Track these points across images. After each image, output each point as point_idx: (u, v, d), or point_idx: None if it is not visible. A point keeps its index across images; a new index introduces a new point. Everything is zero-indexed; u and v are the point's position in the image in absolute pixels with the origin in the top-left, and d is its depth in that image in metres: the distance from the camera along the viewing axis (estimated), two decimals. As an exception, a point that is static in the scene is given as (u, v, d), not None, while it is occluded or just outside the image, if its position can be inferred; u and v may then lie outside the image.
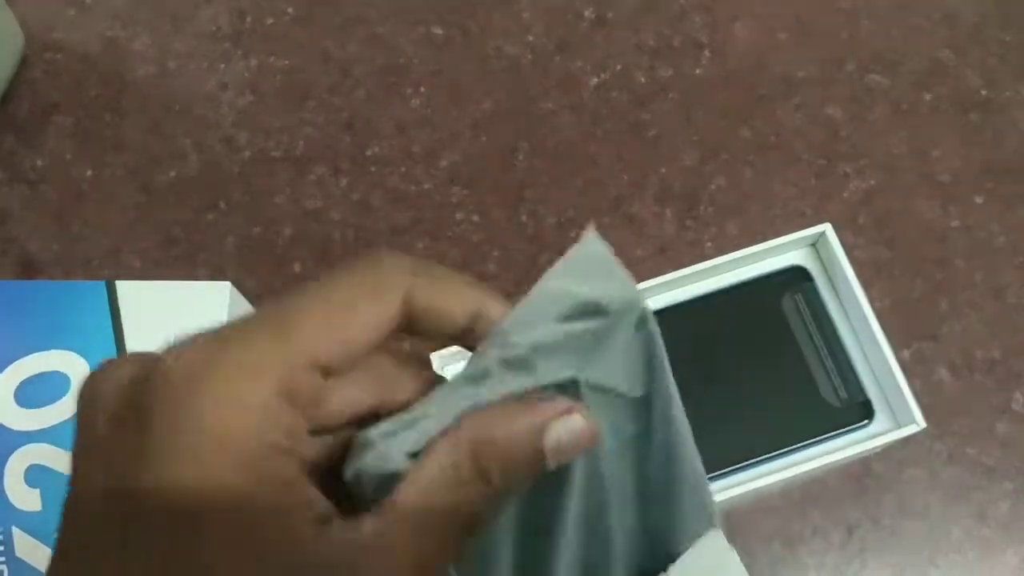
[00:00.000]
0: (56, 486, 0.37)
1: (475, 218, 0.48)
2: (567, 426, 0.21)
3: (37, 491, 0.37)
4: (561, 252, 0.48)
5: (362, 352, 0.21)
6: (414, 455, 0.21)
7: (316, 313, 0.21)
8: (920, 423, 0.38)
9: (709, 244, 0.47)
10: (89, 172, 0.49)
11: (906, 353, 0.45)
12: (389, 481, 0.21)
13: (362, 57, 0.51)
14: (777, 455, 0.40)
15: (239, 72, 0.51)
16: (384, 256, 0.23)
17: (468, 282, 0.24)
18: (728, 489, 0.38)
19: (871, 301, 0.46)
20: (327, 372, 0.21)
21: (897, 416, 0.40)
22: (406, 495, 0.20)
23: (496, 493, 0.21)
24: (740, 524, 0.43)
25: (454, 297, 0.23)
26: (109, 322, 0.40)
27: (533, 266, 0.47)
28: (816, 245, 0.43)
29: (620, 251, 0.48)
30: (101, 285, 0.40)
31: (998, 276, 0.47)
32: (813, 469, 0.39)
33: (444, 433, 0.21)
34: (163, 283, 0.40)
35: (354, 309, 0.21)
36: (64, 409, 0.38)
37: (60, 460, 0.37)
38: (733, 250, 0.46)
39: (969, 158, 0.49)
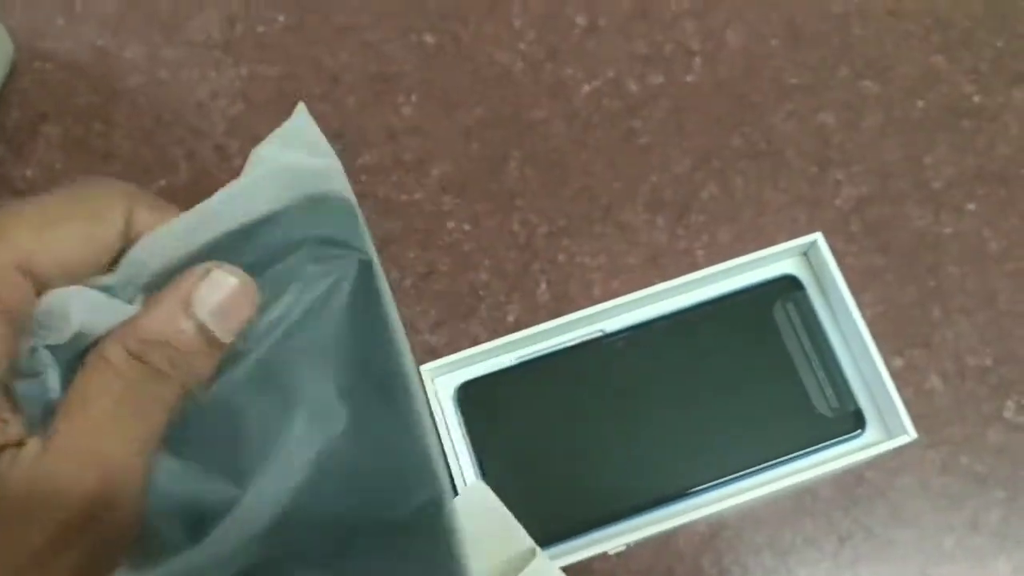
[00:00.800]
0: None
1: (466, 227, 0.48)
2: (213, 285, 0.20)
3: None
4: (553, 260, 0.48)
5: (79, 269, 0.21)
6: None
7: (31, 221, 0.20)
8: (911, 434, 0.38)
9: (701, 252, 0.47)
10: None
11: (898, 361, 0.45)
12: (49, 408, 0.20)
13: (353, 65, 0.51)
14: (768, 466, 0.40)
15: (230, 80, 0.51)
16: (104, 180, 0.23)
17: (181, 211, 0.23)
18: (718, 501, 0.38)
19: (863, 308, 0.46)
20: (40, 284, 0.20)
21: (889, 426, 0.40)
22: (67, 434, 0.20)
23: (177, 389, 0.20)
24: (730, 535, 0.43)
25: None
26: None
27: (525, 274, 0.47)
28: (807, 254, 0.43)
29: (611, 259, 0.48)
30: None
31: (990, 283, 0.47)
32: (804, 481, 0.39)
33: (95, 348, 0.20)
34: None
35: (70, 224, 0.21)
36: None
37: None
38: (725, 258, 0.46)
39: (962, 165, 0.49)
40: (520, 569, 0.35)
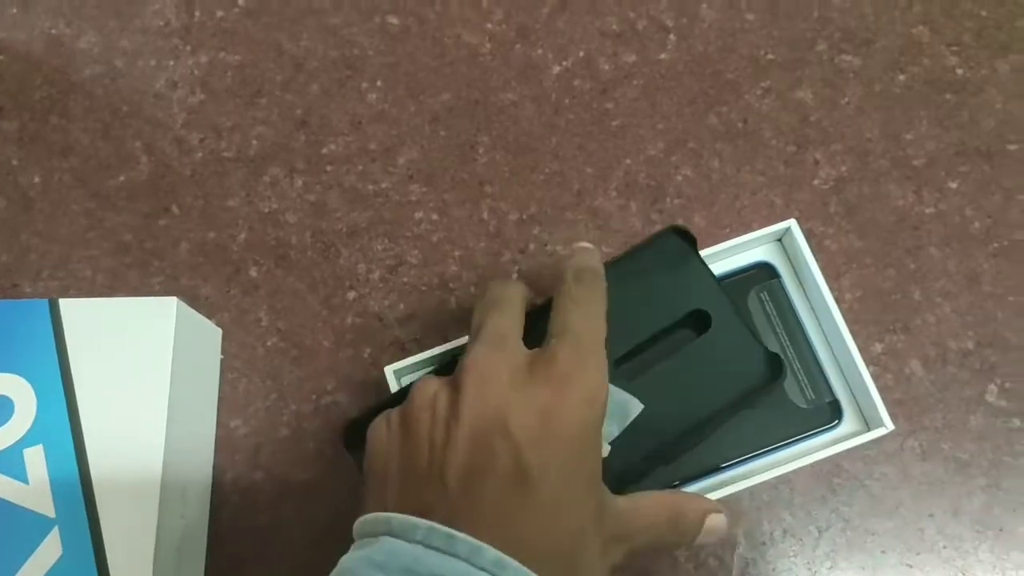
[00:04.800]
0: (1, 514, 0.36)
1: (434, 216, 0.47)
2: (718, 519, 0.33)
3: (-15, 520, 0.36)
4: (523, 249, 0.47)
5: None
6: None
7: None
8: (888, 426, 0.38)
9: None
10: (37, 179, 0.48)
11: (878, 346, 0.44)
12: None
13: (315, 50, 0.50)
14: (743, 460, 0.39)
15: (189, 69, 0.49)
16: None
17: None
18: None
19: (842, 292, 0.45)
20: None
21: (866, 417, 0.39)
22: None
23: (678, 540, 0.33)
24: (708, 527, 0.42)
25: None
26: (53, 342, 0.38)
27: (495, 264, 0.46)
28: (782, 240, 0.42)
29: (584, 248, 0.46)
30: (44, 304, 0.39)
31: (972, 264, 0.45)
32: (780, 475, 0.38)
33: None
34: (107, 300, 0.39)
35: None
36: (9, 434, 0.37)
37: (5, 487, 0.36)
38: (701, 244, 0.45)
39: (944, 140, 0.47)
40: None
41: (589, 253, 0.35)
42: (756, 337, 0.37)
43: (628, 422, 0.35)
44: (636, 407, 0.36)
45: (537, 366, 0.30)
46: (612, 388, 0.35)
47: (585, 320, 0.31)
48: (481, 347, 0.31)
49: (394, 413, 0.31)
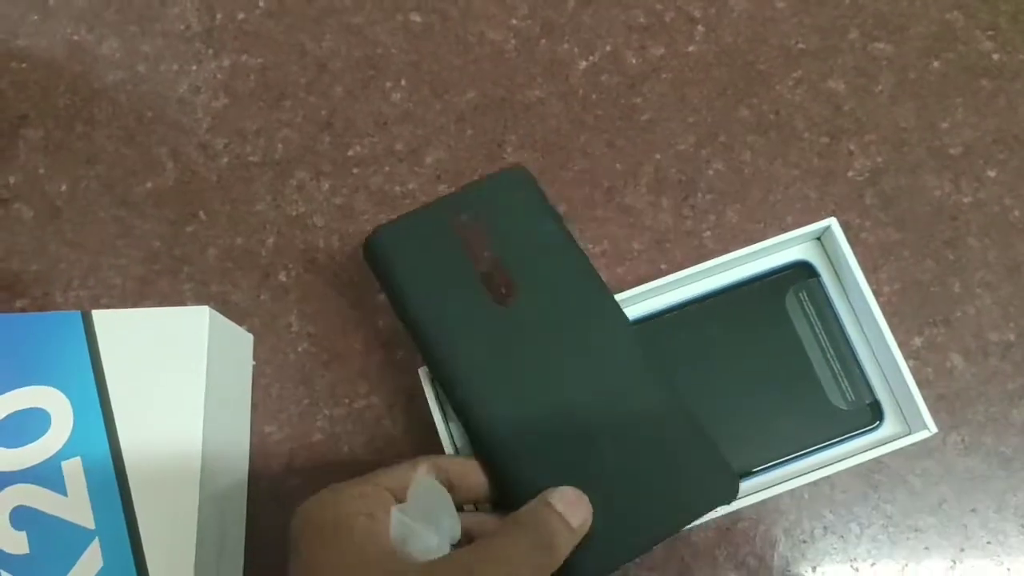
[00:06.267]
0: (42, 527, 0.36)
1: (464, 217, 0.46)
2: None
3: (23, 534, 0.36)
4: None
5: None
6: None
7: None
8: (932, 428, 0.37)
9: (708, 233, 0.45)
10: (64, 187, 0.47)
11: (918, 340, 0.44)
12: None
13: (338, 51, 0.49)
14: (782, 462, 0.38)
15: (211, 73, 0.49)
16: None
17: None
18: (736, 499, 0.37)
19: (880, 286, 0.44)
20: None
21: (908, 419, 0.38)
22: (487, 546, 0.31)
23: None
24: (745, 526, 0.42)
25: None
26: (87, 354, 0.38)
27: (526, 265, 0.45)
28: (821, 239, 0.41)
29: (615, 244, 0.46)
30: (77, 316, 0.39)
31: (1013, 253, 0.44)
32: (821, 478, 0.37)
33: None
34: (140, 311, 0.39)
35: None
36: (46, 447, 0.37)
37: (45, 500, 0.36)
38: (733, 239, 0.45)
39: (981, 128, 0.46)
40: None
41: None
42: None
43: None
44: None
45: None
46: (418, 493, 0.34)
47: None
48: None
49: None
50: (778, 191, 0.46)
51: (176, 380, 0.38)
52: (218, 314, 0.40)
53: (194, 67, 0.49)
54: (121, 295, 0.46)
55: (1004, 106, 0.47)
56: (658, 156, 0.47)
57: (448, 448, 0.38)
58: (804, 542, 0.41)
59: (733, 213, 0.46)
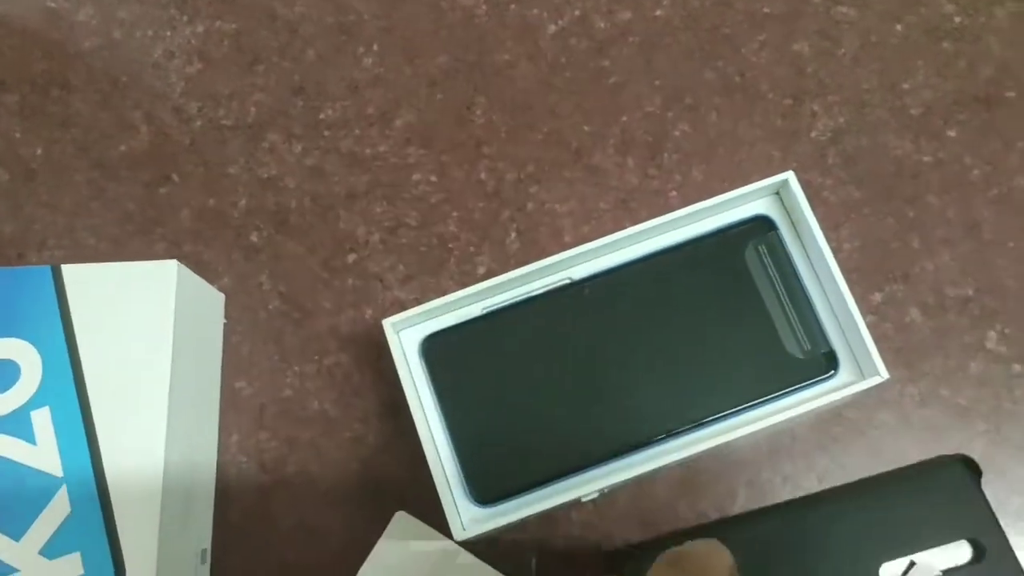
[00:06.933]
0: (11, 475, 0.37)
1: (433, 178, 0.47)
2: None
3: (-6, 481, 0.37)
4: (521, 208, 0.47)
5: None
6: None
7: None
8: (883, 375, 0.38)
9: (674, 193, 0.46)
10: (39, 151, 0.48)
11: (877, 296, 0.44)
12: None
13: (310, 16, 0.50)
14: (739, 410, 0.39)
15: (186, 39, 0.50)
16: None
17: None
18: (692, 445, 0.38)
19: (841, 243, 0.45)
20: None
21: (862, 367, 0.39)
22: None
23: None
24: (707, 479, 0.42)
25: None
26: (56, 308, 0.39)
27: (494, 223, 0.46)
28: (780, 194, 0.42)
29: (582, 204, 0.47)
30: (47, 270, 0.39)
31: (971, 211, 0.45)
32: (776, 423, 0.38)
33: None
34: (109, 265, 0.39)
35: None
36: (16, 397, 0.38)
37: (14, 449, 0.37)
38: (699, 198, 0.45)
39: (941, 89, 0.47)
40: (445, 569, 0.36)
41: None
42: None
43: None
44: None
45: None
46: None
47: None
48: None
49: None
50: (742, 151, 0.47)
51: (144, 332, 0.39)
52: (187, 270, 0.41)
53: (168, 33, 0.50)
54: (95, 255, 0.46)
55: (964, 68, 0.47)
56: (625, 118, 0.47)
57: (412, 401, 0.39)
58: (764, 493, 0.42)
59: (699, 173, 0.47)
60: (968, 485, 0.39)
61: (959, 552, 0.39)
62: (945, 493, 0.39)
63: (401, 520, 0.39)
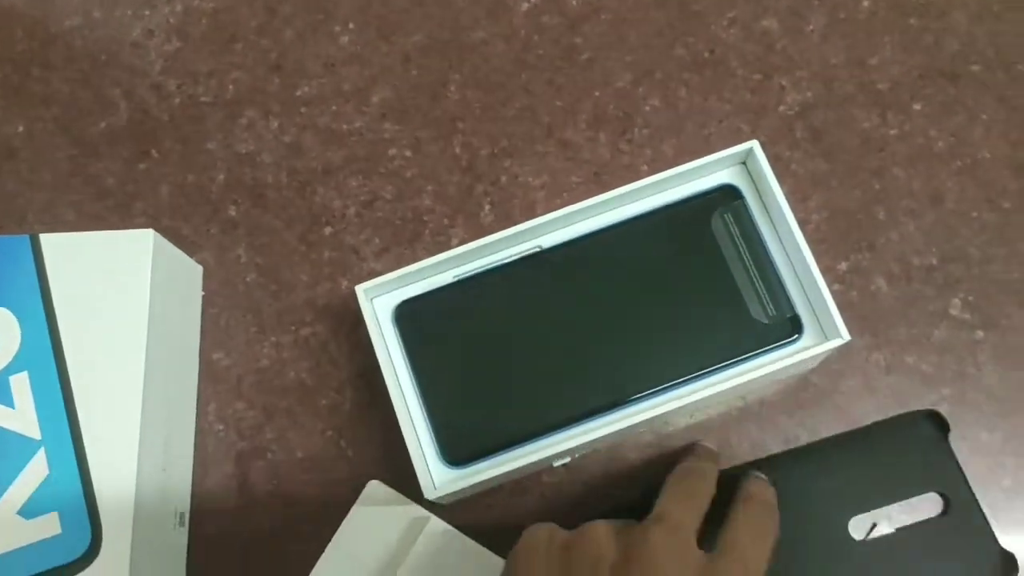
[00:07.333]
0: (-9, 438, 0.38)
1: (408, 153, 0.48)
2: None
3: (-28, 446, 0.38)
4: (495, 182, 0.48)
5: None
6: None
7: None
8: (845, 336, 0.38)
9: (645, 167, 0.47)
10: (20, 128, 0.49)
11: (844, 265, 0.45)
12: None
13: (288, -5, 0.51)
14: (706, 373, 0.40)
15: (164, 17, 0.50)
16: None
17: None
18: (660, 406, 0.38)
19: (808, 214, 0.45)
20: None
21: (825, 331, 0.40)
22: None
23: None
24: (677, 445, 0.43)
25: None
26: (35, 276, 0.40)
27: (468, 197, 0.47)
28: (747, 164, 0.43)
29: (554, 178, 0.48)
30: (25, 239, 0.40)
31: (936, 183, 0.46)
32: (742, 384, 0.39)
33: None
34: (87, 234, 0.40)
35: None
36: (-5, 363, 0.39)
37: (-6, 413, 0.38)
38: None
39: (908, 64, 0.48)
40: (416, 535, 0.37)
41: (762, 485, 0.38)
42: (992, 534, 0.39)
43: None
44: None
45: None
46: None
47: (755, 544, 0.34)
48: (661, 533, 0.32)
49: (559, 536, 0.33)
50: (712, 125, 0.47)
51: (121, 299, 0.39)
52: (165, 240, 0.42)
53: (147, 12, 0.51)
54: (75, 229, 0.47)
55: (930, 43, 0.48)
56: (597, 93, 0.48)
57: (385, 365, 0.40)
58: (734, 460, 0.43)
59: (669, 147, 0.47)
60: (936, 439, 0.40)
61: (926, 506, 0.40)
62: (913, 448, 0.40)
63: (374, 488, 0.39)
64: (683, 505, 0.34)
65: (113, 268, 0.40)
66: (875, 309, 0.44)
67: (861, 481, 0.40)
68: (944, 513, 0.40)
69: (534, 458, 0.38)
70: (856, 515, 0.39)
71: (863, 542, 0.39)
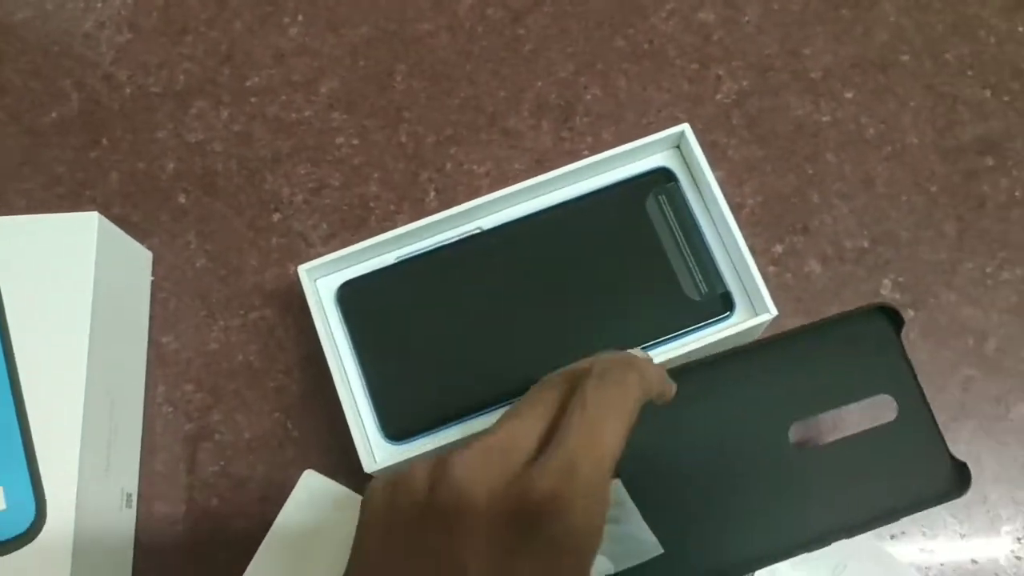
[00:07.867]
0: (-65, 417, 0.38)
1: (355, 141, 0.49)
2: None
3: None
4: (440, 169, 0.49)
5: None
6: None
7: None
8: (772, 311, 0.40)
9: (586, 153, 0.48)
10: (-29, 118, 0.49)
11: (779, 247, 0.46)
12: None
13: (237, -12, 0.51)
14: (643, 348, 0.41)
15: (116, 10, 0.51)
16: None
17: None
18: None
19: (744, 198, 0.47)
20: None
21: (755, 307, 0.41)
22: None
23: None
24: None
25: None
26: (-19, 258, 0.40)
27: (414, 184, 0.48)
28: (680, 148, 0.44)
29: (498, 165, 0.49)
30: (-30, 223, 0.41)
31: (867, 167, 0.48)
32: (676, 358, 0.40)
33: None
34: (31, 217, 0.41)
35: None
36: (-60, 345, 0.39)
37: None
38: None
39: (840, 54, 0.50)
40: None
41: (616, 359, 0.30)
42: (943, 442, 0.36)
43: (634, 562, 0.32)
44: (652, 549, 0.32)
45: (515, 492, 0.25)
46: (630, 515, 0.33)
47: (589, 440, 0.26)
48: (469, 454, 0.26)
49: (388, 492, 0.28)
50: (651, 114, 0.49)
51: (66, 281, 0.40)
52: (111, 224, 0.42)
53: (99, 4, 0.51)
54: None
55: (861, 34, 0.50)
56: (539, 83, 0.50)
57: (327, 344, 0.40)
58: (672, 435, 0.44)
59: (609, 135, 0.49)
60: (886, 336, 0.37)
61: (873, 410, 0.37)
62: (862, 346, 0.37)
63: (309, 478, 0.40)
64: (511, 422, 0.27)
65: (58, 251, 0.40)
66: (809, 290, 0.46)
67: (803, 383, 0.36)
68: (895, 420, 0.36)
69: (473, 432, 0.39)
70: (797, 419, 0.36)
71: (801, 449, 0.36)
